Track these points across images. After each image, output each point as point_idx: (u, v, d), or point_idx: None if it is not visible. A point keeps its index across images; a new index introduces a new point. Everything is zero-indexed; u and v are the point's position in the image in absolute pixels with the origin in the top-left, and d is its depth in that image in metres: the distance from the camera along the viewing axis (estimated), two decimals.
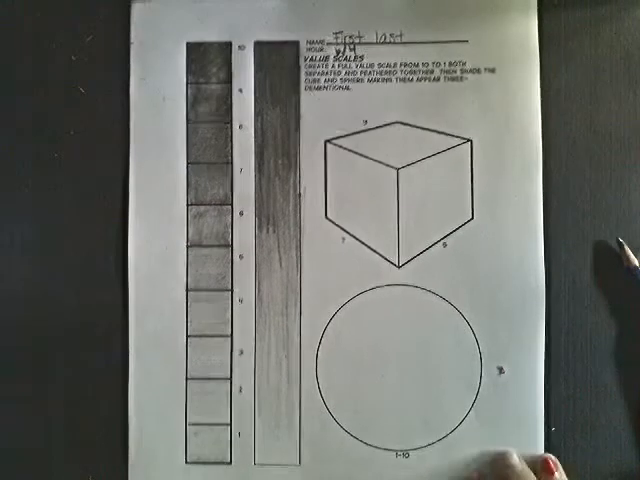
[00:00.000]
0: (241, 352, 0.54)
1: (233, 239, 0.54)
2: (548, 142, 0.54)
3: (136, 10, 0.55)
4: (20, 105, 0.56)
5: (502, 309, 0.53)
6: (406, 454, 0.53)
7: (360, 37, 0.54)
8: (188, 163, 0.54)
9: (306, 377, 0.54)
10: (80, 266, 0.55)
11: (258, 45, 0.55)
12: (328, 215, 0.54)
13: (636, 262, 0.52)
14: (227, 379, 0.54)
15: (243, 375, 0.54)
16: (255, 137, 0.55)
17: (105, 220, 0.55)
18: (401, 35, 0.54)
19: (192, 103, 0.55)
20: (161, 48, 0.55)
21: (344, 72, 0.54)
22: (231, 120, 0.55)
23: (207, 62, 0.55)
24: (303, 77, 0.54)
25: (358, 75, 0.54)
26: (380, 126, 0.54)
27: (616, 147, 0.54)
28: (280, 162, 0.54)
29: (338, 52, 0.54)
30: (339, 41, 0.54)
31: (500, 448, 0.52)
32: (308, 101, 0.54)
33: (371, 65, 0.54)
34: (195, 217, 0.54)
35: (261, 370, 0.54)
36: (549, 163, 0.54)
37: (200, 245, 0.54)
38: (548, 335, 0.53)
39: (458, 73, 0.54)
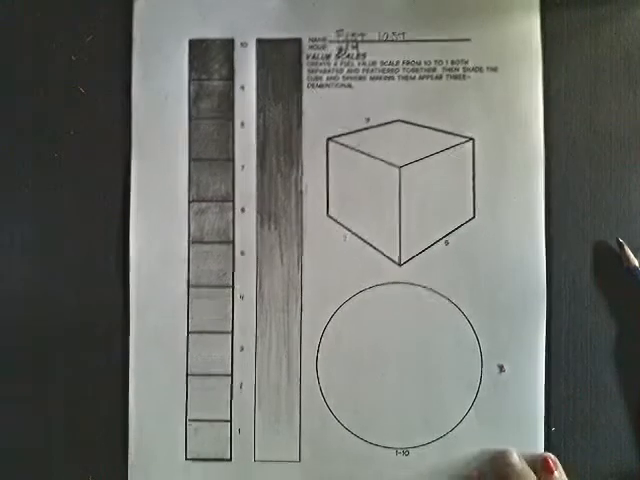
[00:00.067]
0: (242, 349, 0.54)
1: (234, 236, 0.54)
2: (548, 142, 0.54)
3: (138, 7, 0.55)
4: (20, 105, 0.56)
5: (503, 308, 0.53)
6: (406, 452, 0.53)
7: (362, 35, 0.54)
8: (190, 160, 0.55)
9: (306, 374, 0.54)
10: (80, 266, 0.55)
11: (260, 42, 0.55)
12: (330, 213, 0.54)
13: (636, 262, 0.52)
14: (228, 375, 0.54)
15: (244, 372, 0.54)
16: (257, 134, 0.55)
17: (105, 220, 0.55)
18: (403, 33, 0.54)
19: (194, 100, 0.55)
20: (163, 45, 0.55)
21: (346, 70, 0.54)
22: (233, 117, 0.55)
23: (209, 59, 0.55)
24: (305, 75, 0.55)
25: (360, 73, 0.54)
26: (382, 124, 0.54)
27: (616, 147, 0.54)
28: (282, 159, 0.54)
29: (340, 50, 0.54)
30: (341, 39, 0.54)
31: (500, 447, 0.52)
32: (310, 99, 0.54)
33: (373, 63, 0.54)
34: (197, 214, 0.54)
35: (262, 367, 0.54)
36: (549, 163, 0.54)
37: (201, 241, 0.54)
38: (548, 335, 0.53)
39: (460, 71, 0.54)
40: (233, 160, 0.55)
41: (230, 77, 0.55)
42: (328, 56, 0.54)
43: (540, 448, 0.53)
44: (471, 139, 0.54)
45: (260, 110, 0.55)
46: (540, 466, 0.51)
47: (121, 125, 0.55)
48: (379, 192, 0.54)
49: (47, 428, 0.55)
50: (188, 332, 0.54)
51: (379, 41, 0.54)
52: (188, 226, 0.54)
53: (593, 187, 0.54)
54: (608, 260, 0.54)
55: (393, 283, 0.54)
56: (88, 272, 0.55)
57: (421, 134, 0.54)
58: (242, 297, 0.54)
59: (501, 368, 0.53)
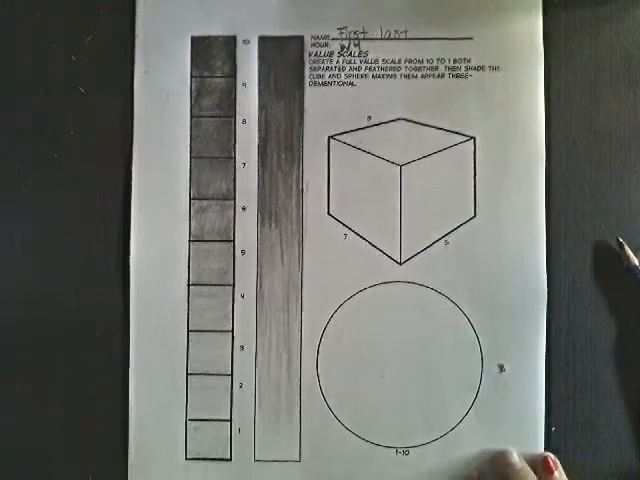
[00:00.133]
0: (242, 348, 0.54)
1: (235, 234, 0.54)
2: (548, 142, 0.54)
3: (141, 4, 0.55)
4: (20, 105, 0.56)
5: (503, 307, 0.53)
6: (406, 451, 0.53)
7: (365, 33, 0.54)
8: (191, 157, 0.54)
9: (307, 373, 0.54)
10: (80, 266, 0.55)
11: (263, 40, 0.55)
12: (330, 211, 0.54)
13: (636, 262, 0.53)
14: (228, 375, 0.54)
15: (244, 371, 0.54)
16: (258, 131, 0.55)
17: (105, 220, 0.55)
18: (406, 31, 0.54)
19: (196, 97, 0.55)
20: (165, 42, 0.55)
21: (348, 68, 0.54)
22: (235, 114, 0.55)
23: (211, 56, 0.55)
24: (307, 72, 0.55)
25: (362, 71, 0.54)
26: (384, 122, 0.54)
27: (616, 147, 0.54)
28: (283, 157, 0.54)
29: (342, 47, 0.54)
30: (343, 36, 0.55)
31: (500, 447, 0.52)
32: (312, 96, 0.54)
33: (375, 61, 0.54)
34: (197, 212, 0.54)
35: (262, 366, 0.54)
36: (549, 163, 0.54)
37: (202, 240, 0.54)
38: (548, 335, 0.53)
39: (462, 70, 0.54)
40: (234, 158, 0.55)
41: (232, 74, 0.55)
42: (330, 54, 0.55)
43: (540, 448, 0.53)
44: (472, 138, 0.54)
45: (262, 108, 0.55)
46: (540, 466, 0.51)
47: (121, 125, 0.55)
48: (380, 191, 0.54)
49: (47, 428, 0.54)
50: (188, 331, 0.54)
51: (381, 39, 0.54)
52: (189, 224, 0.54)
53: (593, 187, 0.54)
54: (608, 260, 0.54)
55: (393, 282, 0.54)
56: (88, 272, 0.55)
57: (422, 133, 0.54)
58: (243, 296, 0.54)
59: (501, 368, 0.53)
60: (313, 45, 0.55)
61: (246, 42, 0.55)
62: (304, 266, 0.54)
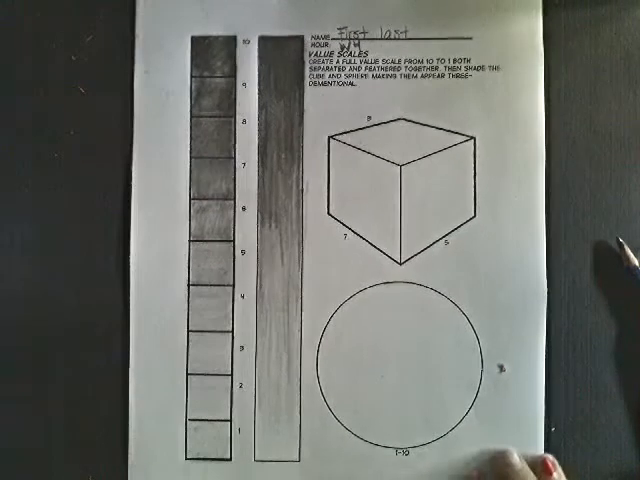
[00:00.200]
0: (242, 348, 0.54)
1: (235, 234, 0.54)
2: (548, 142, 0.54)
3: (141, 4, 0.55)
4: (20, 105, 0.56)
5: (503, 307, 0.53)
6: (406, 452, 0.53)
7: (365, 33, 0.54)
8: (191, 157, 0.54)
9: (307, 373, 0.54)
10: (80, 266, 0.55)
11: (263, 40, 0.55)
12: (330, 211, 0.54)
13: (636, 262, 0.53)
14: (228, 375, 0.54)
15: (244, 371, 0.54)
16: (258, 131, 0.55)
17: (105, 220, 0.55)
18: (406, 31, 0.54)
19: (196, 97, 0.55)
20: (165, 42, 0.55)
21: (348, 68, 0.54)
22: (235, 114, 0.55)
23: (211, 56, 0.55)
24: (307, 72, 0.55)
25: (362, 71, 0.54)
26: (384, 122, 0.54)
27: (616, 147, 0.54)
28: (283, 157, 0.54)
29: (343, 47, 0.54)
30: (344, 36, 0.55)
31: (500, 447, 0.52)
32: (312, 96, 0.54)
33: (375, 61, 0.54)
34: (197, 212, 0.54)
35: (262, 366, 0.54)
36: (549, 163, 0.54)
37: (202, 240, 0.54)
38: (548, 335, 0.53)
39: (462, 70, 0.54)
40: (234, 158, 0.55)
41: (232, 74, 0.55)
42: (330, 54, 0.55)
43: (540, 448, 0.53)
44: (472, 138, 0.54)
45: (262, 107, 0.55)
46: (539, 467, 0.51)
47: (121, 125, 0.55)
48: (380, 191, 0.54)
49: (47, 428, 0.54)
50: (188, 331, 0.54)
51: (381, 39, 0.54)
52: (189, 224, 0.54)
53: (593, 187, 0.54)
54: (608, 260, 0.54)
55: (393, 282, 0.54)
56: (88, 272, 0.55)
57: (422, 133, 0.54)
58: (243, 296, 0.54)
59: (501, 368, 0.53)
60: (313, 45, 0.55)
61: (246, 42, 0.55)
62: (304, 266, 0.54)
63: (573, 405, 0.53)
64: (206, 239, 0.54)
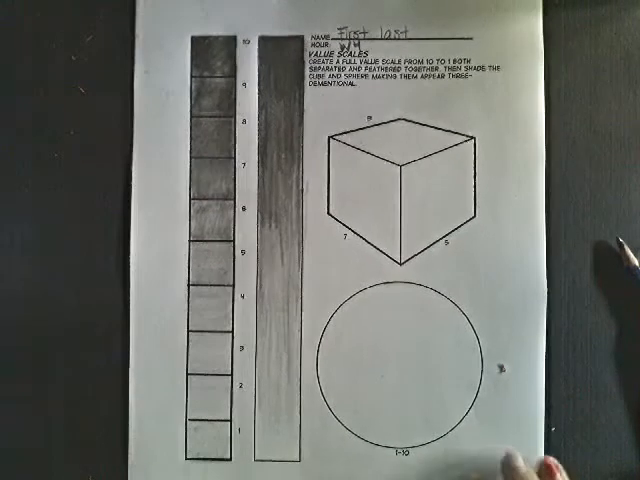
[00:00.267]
0: (242, 348, 0.54)
1: (235, 234, 0.54)
2: (548, 142, 0.54)
3: (141, 4, 0.55)
4: (20, 105, 0.56)
5: (503, 307, 0.53)
6: (406, 452, 0.53)
7: (365, 33, 0.54)
8: (191, 157, 0.54)
9: (307, 373, 0.54)
10: (80, 266, 0.55)
11: (263, 39, 0.55)
12: (330, 211, 0.54)
13: (636, 262, 0.53)
14: (228, 375, 0.54)
15: (244, 371, 0.54)
16: (258, 131, 0.55)
17: (105, 220, 0.55)
18: (406, 31, 0.54)
19: (196, 97, 0.55)
20: (165, 42, 0.55)
21: (348, 68, 0.54)
22: (235, 114, 0.55)
23: (211, 56, 0.55)
24: (307, 72, 0.55)
25: (362, 71, 0.54)
26: (384, 122, 0.54)
27: (616, 147, 0.54)
28: (283, 157, 0.54)
29: (343, 47, 0.54)
30: (344, 36, 0.55)
31: (500, 447, 0.52)
32: (312, 96, 0.54)
33: (375, 61, 0.54)
34: (198, 212, 0.54)
35: (262, 366, 0.54)
36: (549, 163, 0.54)
37: (202, 240, 0.54)
38: (548, 335, 0.53)
39: (462, 70, 0.54)
40: (234, 158, 0.55)
41: (232, 74, 0.55)
42: (330, 54, 0.54)
43: (540, 448, 0.53)
44: (472, 138, 0.54)
45: (262, 107, 0.55)
46: (543, 470, 0.51)
47: (121, 125, 0.55)
48: (380, 191, 0.54)
49: (47, 428, 0.54)
50: (188, 331, 0.54)
51: (381, 39, 0.54)
52: (189, 224, 0.54)
53: (593, 187, 0.54)
54: (608, 260, 0.54)
55: (393, 282, 0.54)
56: (88, 272, 0.55)
57: (422, 133, 0.54)
58: (243, 296, 0.54)
59: (501, 368, 0.53)
60: (313, 45, 0.55)
61: (246, 42, 0.55)
62: (304, 266, 0.54)
63: (573, 405, 0.53)
64: (206, 239, 0.54)
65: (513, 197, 0.53)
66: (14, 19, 0.56)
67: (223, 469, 0.53)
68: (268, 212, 0.54)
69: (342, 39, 0.54)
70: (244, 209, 0.54)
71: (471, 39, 0.54)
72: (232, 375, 0.54)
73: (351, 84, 0.54)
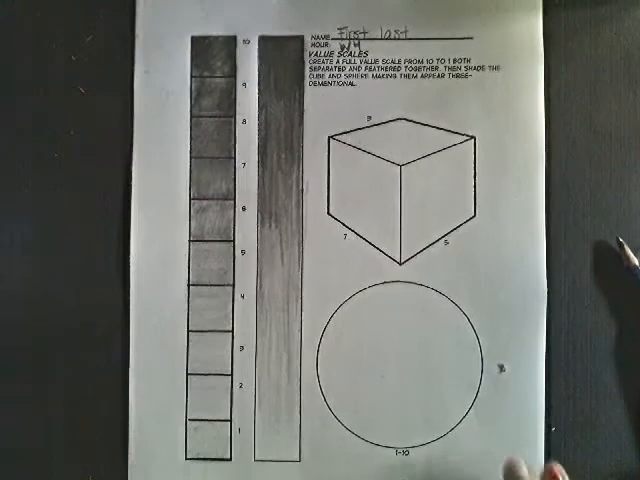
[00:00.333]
0: (242, 348, 0.54)
1: (235, 234, 0.54)
2: (548, 142, 0.54)
3: (141, 4, 0.55)
4: (20, 105, 0.56)
5: (503, 307, 0.53)
6: (406, 452, 0.53)
7: (365, 33, 0.54)
8: (191, 157, 0.54)
9: (307, 373, 0.54)
10: (80, 266, 0.55)
11: (263, 39, 0.55)
12: (330, 211, 0.54)
13: (636, 262, 0.53)
14: (228, 375, 0.54)
15: (244, 371, 0.54)
16: (258, 131, 0.55)
17: (105, 220, 0.55)
18: (406, 31, 0.54)
19: (196, 97, 0.55)
20: (165, 42, 0.55)
21: (348, 68, 0.54)
22: (235, 114, 0.55)
23: (211, 56, 0.55)
24: (307, 72, 0.55)
25: (362, 71, 0.54)
26: (384, 122, 0.54)
27: (616, 147, 0.54)
28: (283, 157, 0.54)
29: (343, 47, 0.54)
30: (344, 36, 0.54)
31: (500, 447, 0.52)
32: (312, 96, 0.54)
33: (375, 61, 0.54)
34: (197, 212, 0.54)
35: (262, 366, 0.54)
36: (549, 163, 0.54)
37: (202, 240, 0.54)
38: (548, 335, 0.53)
39: (462, 70, 0.54)
40: (234, 158, 0.55)
41: (232, 74, 0.55)
42: (330, 54, 0.54)
43: (540, 448, 0.53)
44: (472, 138, 0.54)
45: (262, 107, 0.55)
46: (546, 476, 0.50)
47: (121, 125, 0.55)
48: (380, 191, 0.54)
49: (47, 428, 0.54)
50: (188, 331, 0.54)
51: (381, 39, 0.54)
52: (189, 224, 0.54)
53: (593, 187, 0.54)
54: (608, 260, 0.54)
55: (393, 282, 0.54)
56: (88, 272, 0.55)
57: (422, 132, 0.54)
58: (243, 296, 0.54)
59: (501, 368, 0.53)
60: (313, 45, 0.55)
61: (246, 42, 0.55)
62: (304, 266, 0.54)
63: (573, 405, 0.53)
64: (206, 239, 0.54)
65: (513, 197, 0.53)
66: (14, 19, 0.56)
67: (223, 469, 0.53)
68: (268, 212, 0.54)
69: (342, 39, 0.54)
70: (244, 209, 0.54)
71: (471, 39, 0.54)
72: (232, 375, 0.54)
73: (351, 84, 0.54)
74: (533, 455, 0.52)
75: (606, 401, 0.53)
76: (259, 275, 0.54)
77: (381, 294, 0.54)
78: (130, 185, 0.55)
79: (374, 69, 0.54)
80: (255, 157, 0.54)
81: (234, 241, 0.54)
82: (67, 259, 0.55)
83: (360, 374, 0.53)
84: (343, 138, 0.54)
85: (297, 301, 0.54)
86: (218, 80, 0.55)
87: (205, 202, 0.54)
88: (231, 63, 0.55)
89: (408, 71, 0.54)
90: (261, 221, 0.54)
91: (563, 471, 0.50)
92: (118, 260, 0.55)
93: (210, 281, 0.54)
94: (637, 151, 0.54)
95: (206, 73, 0.55)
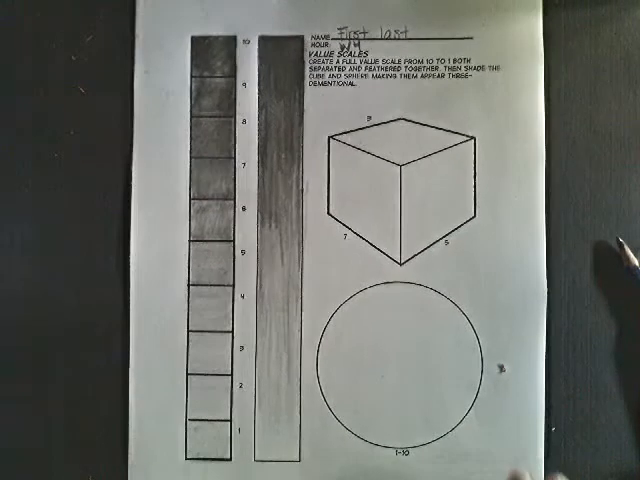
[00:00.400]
0: (242, 348, 0.54)
1: (235, 234, 0.54)
2: (548, 142, 0.54)
3: (141, 4, 0.55)
4: (20, 105, 0.56)
5: (503, 307, 0.53)
6: (406, 452, 0.53)
7: (365, 33, 0.54)
8: (191, 157, 0.54)
9: (307, 373, 0.54)
10: (80, 266, 0.55)
11: (263, 39, 0.55)
12: (330, 211, 0.54)
13: (636, 262, 0.53)
14: (228, 375, 0.54)
15: (244, 371, 0.54)
16: (258, 131, 0.55)
17: (105, 220, 0.55)
18: (406, 31, 0.54)
19: (196, 97, 0.55)
20: (165, 42, 0.55)
21: (348, 68, 0.54)
22: (235, 114, 0.55)
23: (211, 56, 0.55)
24: (307, 72, 0.55)
25: (362, 71, 0.54)
26: (384, 122, 0.54)
27: (616, 147, 0.54)
28: (283, 157, 0.54)
29: (343, 47, 0.54)
30: (344, 36, 0.54)
31: (500, 447, 0.52)
32: (312, 96, 0.54)
33: (375, 61, 0.54)
34: (197, 212, 0.54)
35: (262, 366, 0.54)
36: (549, 163, 0.54)
37: (202, 240, 0.54)
38: (548, 335, 0.53)
39: (462, 70, 0.54)
40: (234, 158, 0.55)
41: (232, 74, 0.55)
42: (330, 54, 0.54)
43: (540, 448, 0.53)
44: (472, 138, 0.54)
45: (262, 107, 0.55)
46: None
47: (121, 125, 0.55)
48: (380, 191, 0.54)
49: (47, 428, 0.54)
50: (188, 331, 0.54)
51: (381, 39, 0.54)
52: (189, 224, 0.54)
53: (593, 187, 0.54)
54: (608, 260, 0.54)
55: (393, 282, 0.54)
56: (88, 272, 0.55)
57: (422, 133, 0.54)
58: (243, 296, 0.54)
59: (501, 368, 0.53)
60: (313, 45, 0.55)
61: (246, 42, 0.55)
62: (304, 266, 0.54)
63: (573, 405, 0.53)
64: (206, 239, 0.54)
65: (513, 197, 0.53)
66: (14, 19, 0.56)
67: (223, 469, 0.53)
68: (268, 212, 0.54)
69: (342, 39, 0.54)
70: (244, 209, 0.54)
71: (471, 39, 0.54)
72: (232, 375, 0.54)
73: (351, 84, 0.54)
74: (533, 455, 0.52)
75: (606, 401, 0.53)
76: (259, 275, 0.54)
77: (381, 294, 0.54)
78: (130, 185, 0.54)
79: (374, 69, 0.54)
80: (255, 157, 0.54)
81: (234, 241, 0.54)
82: (67, 259, 0.55)
83: (360, 374, 0.53)
84: (343, 138, 0.54)
85: (297, 301, 0.54)
86: (218, 80, 0.55)
87: (205, 202, 0.54)
88: (231, 63, 0.55)
89: (408, 71, 0.54)
90: (261, 221, 0.54)
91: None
92: (118, 260, 0.55)
93: (210, 281, 0.54)
94: (637, 151, 0.54)
95: (206, 73, 0.55)
